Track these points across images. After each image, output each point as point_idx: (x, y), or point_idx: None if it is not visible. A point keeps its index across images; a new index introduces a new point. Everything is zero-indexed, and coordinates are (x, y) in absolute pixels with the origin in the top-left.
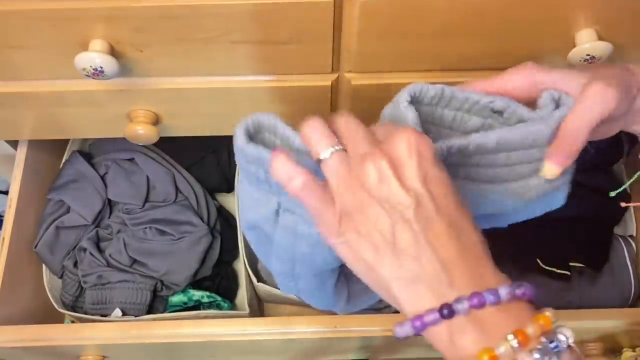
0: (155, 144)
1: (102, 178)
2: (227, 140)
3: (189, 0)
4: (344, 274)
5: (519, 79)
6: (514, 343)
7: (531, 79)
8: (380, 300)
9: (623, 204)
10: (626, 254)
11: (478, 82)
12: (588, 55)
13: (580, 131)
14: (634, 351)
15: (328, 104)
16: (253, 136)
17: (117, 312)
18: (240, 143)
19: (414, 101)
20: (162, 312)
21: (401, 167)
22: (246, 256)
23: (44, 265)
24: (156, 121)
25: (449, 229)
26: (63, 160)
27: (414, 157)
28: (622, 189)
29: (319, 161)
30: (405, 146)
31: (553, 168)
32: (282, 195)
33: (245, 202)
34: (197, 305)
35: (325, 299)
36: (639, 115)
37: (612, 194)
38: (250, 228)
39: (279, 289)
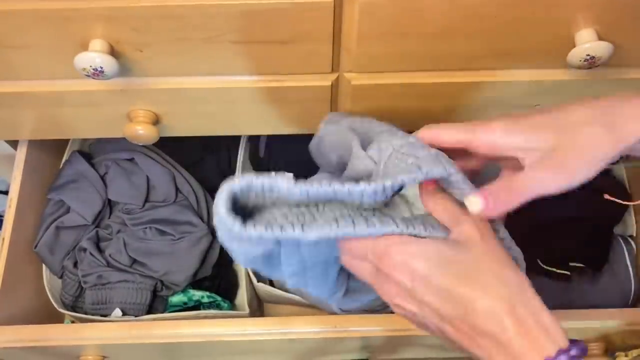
0: (155, 144)
1: (102, 178)
2: (227, 140)
3: (188, 0)
4: (346, 271)
5: (483, 136)
6: None
7: (494, 142)
8: (377, 300)
9: (607, 196)
10: (626, 254)
11: (451, 128)
12: (588, 55)
13: (524, 196)
14: (626, 356)
15: (328, 104)
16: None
17: (117, 312)
18: (229, 225)
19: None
20: (162, 312)
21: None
22: None
23: (44, 265)
24: (156, 121)
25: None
26: (63, 160)
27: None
28: None
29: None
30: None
31: (478, 203)
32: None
33: (236, 251)
34: (197, 306)
35: (326, 287)
36: None
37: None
38: (251, 262)
39: (278, 287)
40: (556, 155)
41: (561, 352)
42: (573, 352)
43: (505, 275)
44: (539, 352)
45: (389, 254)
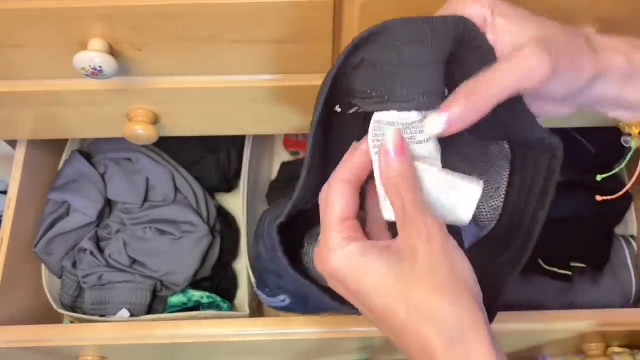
0: (154, 144)
1: (102, 177)
2: (227, 140)
3: None
4: None
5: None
6: None
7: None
8: None
9: (599, 198)
10: (627, 254)
11: None
12: None
13: (492, 93)
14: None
15: None
16: None
17: (124, 312)
18: None
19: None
20: (162, 313)
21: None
22: (249, 258)
23: (43, 266)
24: (155, 121)
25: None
26: (62, 160)
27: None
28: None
29: None
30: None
31: (437, 120)
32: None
33: None
34: (197, 306)
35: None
36: (600, 102)
37: (599, 177)
38: None
39: None
40: (532, 46)
41: None
42: None
43: (442, 310)
44: None
45: (329, 262)
